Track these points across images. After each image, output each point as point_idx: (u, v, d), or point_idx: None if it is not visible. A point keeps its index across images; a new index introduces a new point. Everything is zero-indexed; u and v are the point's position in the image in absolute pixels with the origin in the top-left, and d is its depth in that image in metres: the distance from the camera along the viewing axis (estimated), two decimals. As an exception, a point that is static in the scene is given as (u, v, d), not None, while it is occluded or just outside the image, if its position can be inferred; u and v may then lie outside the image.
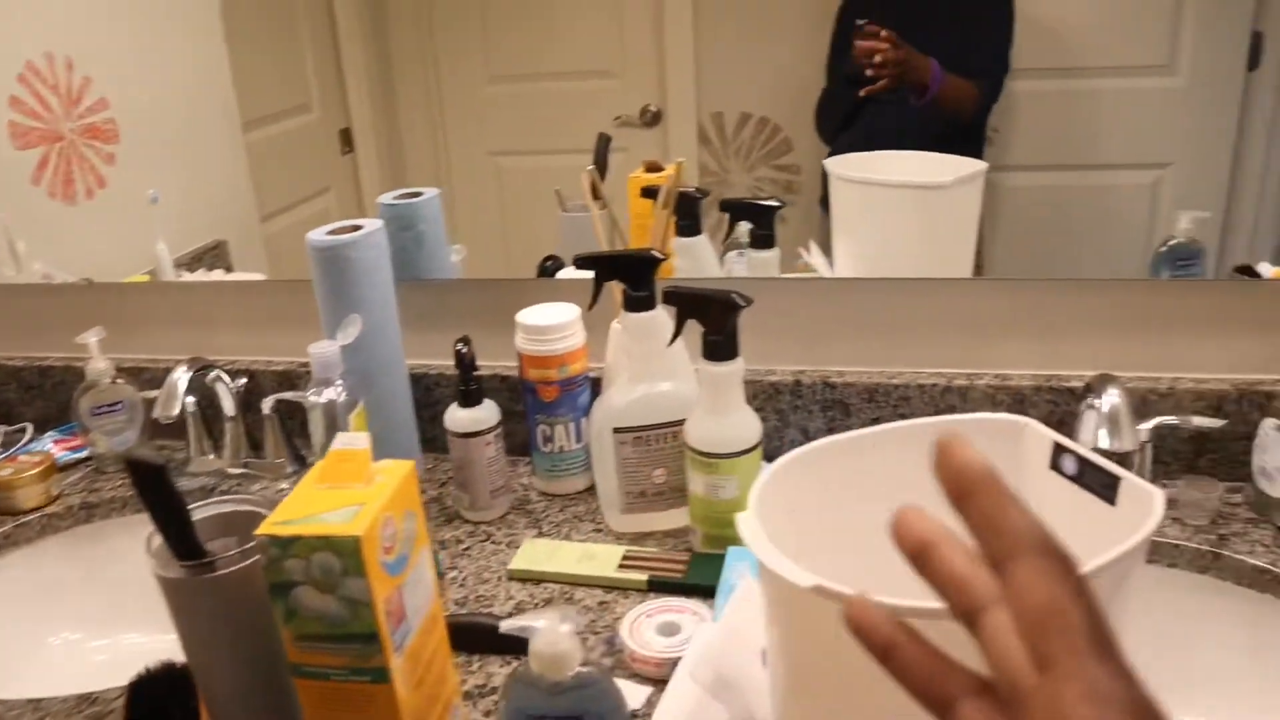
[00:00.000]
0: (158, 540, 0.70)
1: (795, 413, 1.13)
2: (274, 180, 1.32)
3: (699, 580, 0.92)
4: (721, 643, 0.72)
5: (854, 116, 1.14)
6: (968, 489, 0.35)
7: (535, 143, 1.22)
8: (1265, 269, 1.07)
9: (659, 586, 0.93)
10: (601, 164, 1.18)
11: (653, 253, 0.98)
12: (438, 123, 1.23)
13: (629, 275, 0.98)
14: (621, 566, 0.95)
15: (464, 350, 1.03)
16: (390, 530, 0.66)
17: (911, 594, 0.47)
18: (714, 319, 0.92)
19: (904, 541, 0.35)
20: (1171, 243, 1.09)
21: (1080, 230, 1.11)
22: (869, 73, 1.09)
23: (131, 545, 1.17)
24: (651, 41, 1.15)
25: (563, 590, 0.95)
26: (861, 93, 1.10)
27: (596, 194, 1.13)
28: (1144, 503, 0.62)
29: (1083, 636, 0.32)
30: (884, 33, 1.08)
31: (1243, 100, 1.04)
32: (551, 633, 0.66)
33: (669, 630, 0.85)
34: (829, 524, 0.70)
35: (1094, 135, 1.09)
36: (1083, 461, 0.67)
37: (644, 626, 0.86)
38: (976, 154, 1.10)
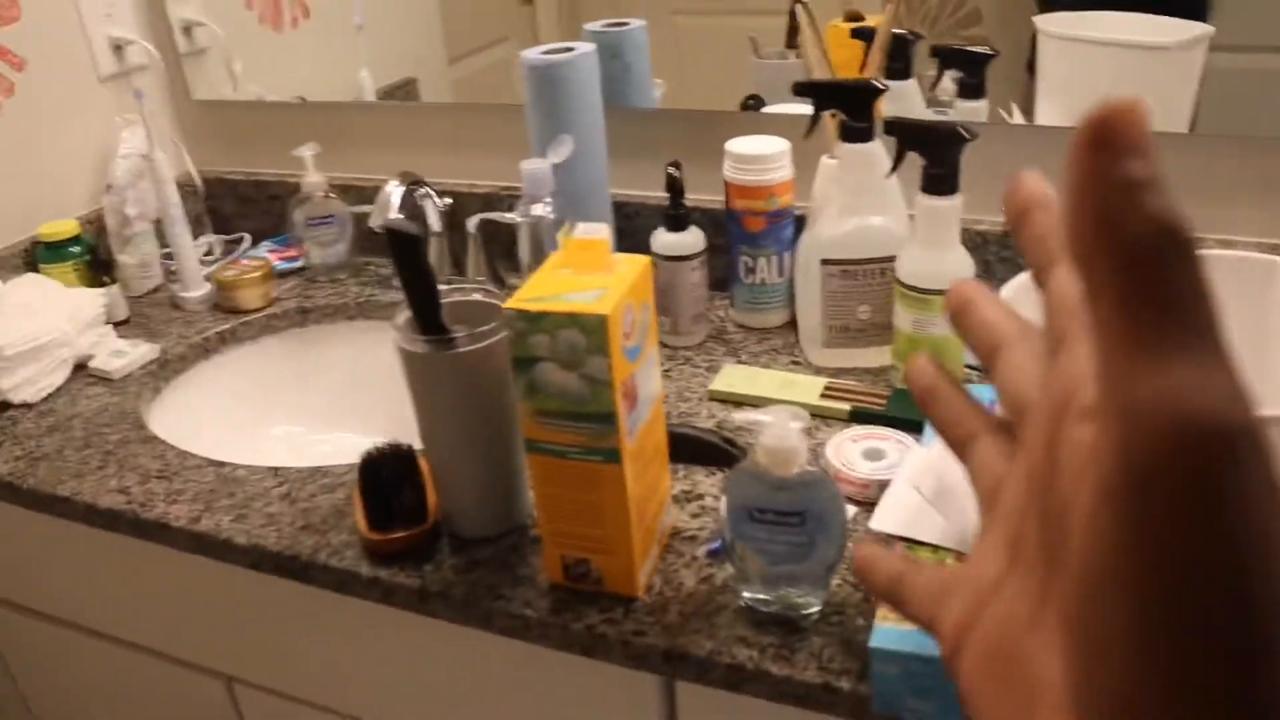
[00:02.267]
0: (404, 315, 0.74)
1: (1001, 265, 1.10)
2: (461, 22, 1.33)
3: (900, 413, 0.92)
4: (942, 456, 0.72)
5: None
6: (1025, 208, 0.29)
7: (712, 3, 1.20)
8: None
9: (861, 417, 0.93)
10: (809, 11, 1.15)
11: (874, 82, 0.95)
12: None
13: (848, 105, 0.96)
14: (824, 396, 0.96)
15: (675, 173, 1.03)
16: (630, 317, 0.68)
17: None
18: (937, 151, 0.89)
19: (949, 303, 0.32)
20: None
21: None
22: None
23: (343, 351, 1.24)
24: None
25: (762, 415, 0.96)
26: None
27: (794, 40, 1.11)
28: None
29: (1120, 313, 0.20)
30: None
31: None
32: (781, 427, 0.67)
33: (874, 455, 0.86)
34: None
35: None
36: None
37: (849, 450, 0.86)
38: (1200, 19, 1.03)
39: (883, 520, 0.73)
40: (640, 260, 0.71)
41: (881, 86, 0.96)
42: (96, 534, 0.96)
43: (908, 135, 0.91)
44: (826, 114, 0.99)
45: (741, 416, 0.68)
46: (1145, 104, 0.20)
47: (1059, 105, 1.11)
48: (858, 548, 0.35)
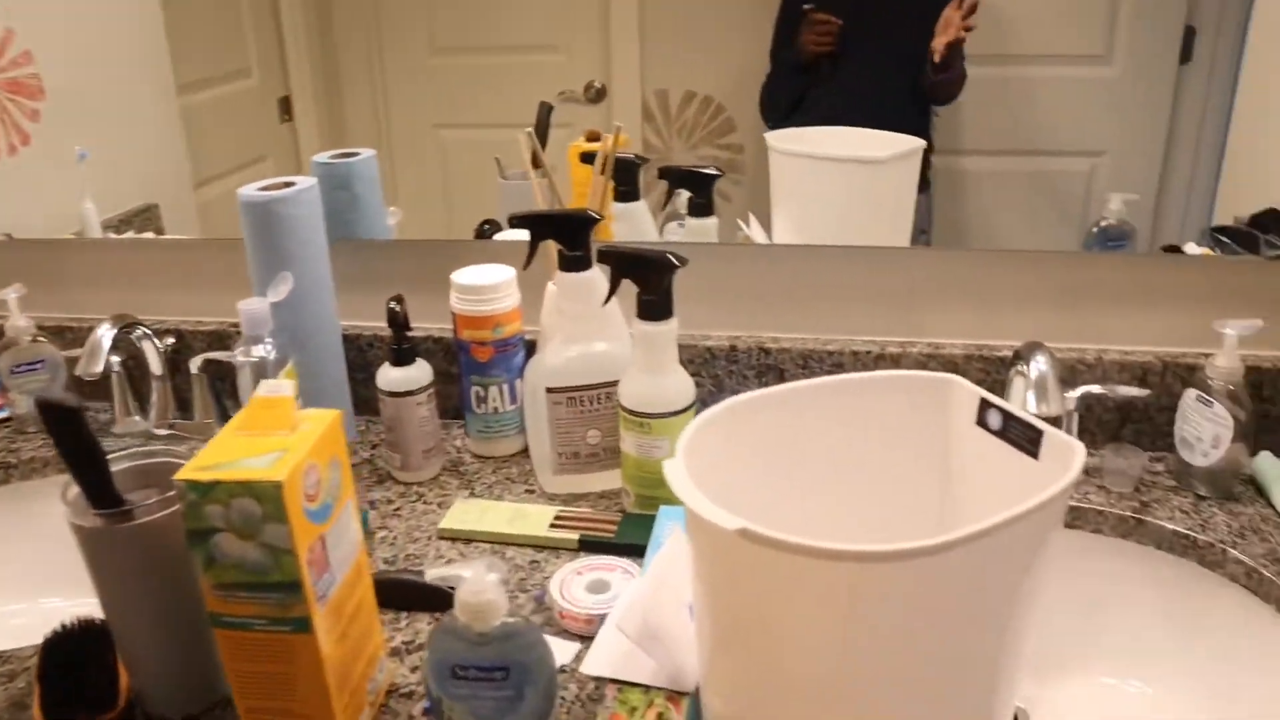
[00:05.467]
0: (74, 489, 0.68)
1: (730, 378, 1.13)
2: (210, 145, 1.29)
3: (630, 539, 0.92)
4: (649, 595, 0.72)
5: (799, 101, 1.14)
6: None
7: (478, 116, 1.20)
8: (1191, 248, 1.09)
9: (590, 546, 0.93)
10: (542, 132, 1.17)
11: (589, 212, 0.97)
12: (379, 93, 1.21)
13: (565, 235, 0.97)
14: (553, 526, 0.95)
15: (396, 308, 1.01)
16: (314, 478, 0.65)
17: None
18: (649, 278, 0.91)
19: None
20: (1104, 223, 1.11)
21: (1019, 213, 1.12)
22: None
23: (51, 507, 1.15)
24: (597, 16, 1.14)
25: (494, 550, 0.94)
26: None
27: (537, 161, 1.12)
28: (1065, 455, 0.63)
29: None
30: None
31: (1175, 92, 1.06)
32: (478, 581, 0.65)
33: (599, 588, 0.85)
34: (757, 476, 0.70)
35: (1033, 122, 1.10)
36: (1007, 416, 0.68)
37: (573, 584, 0.85)
38: (924, 136, 1.11)
39: (594, 663, 0.72)
40: (328, 415, 0.69)
41: (596, 216, 0.97)
42: None
43: (620, 263, 0.93)
44: (548, 243, 1.00)
45: (434, 574, 0.66)
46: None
47: (789, 218, 1.16)
48: None
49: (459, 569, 0.66)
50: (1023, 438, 0.67)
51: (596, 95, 1.18)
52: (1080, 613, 1.02)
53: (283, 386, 0.68)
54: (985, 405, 0.69)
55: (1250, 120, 1.05)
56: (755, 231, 1.17)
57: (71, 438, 0.65)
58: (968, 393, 0.71)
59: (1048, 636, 1.01)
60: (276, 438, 0.66)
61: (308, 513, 0.64)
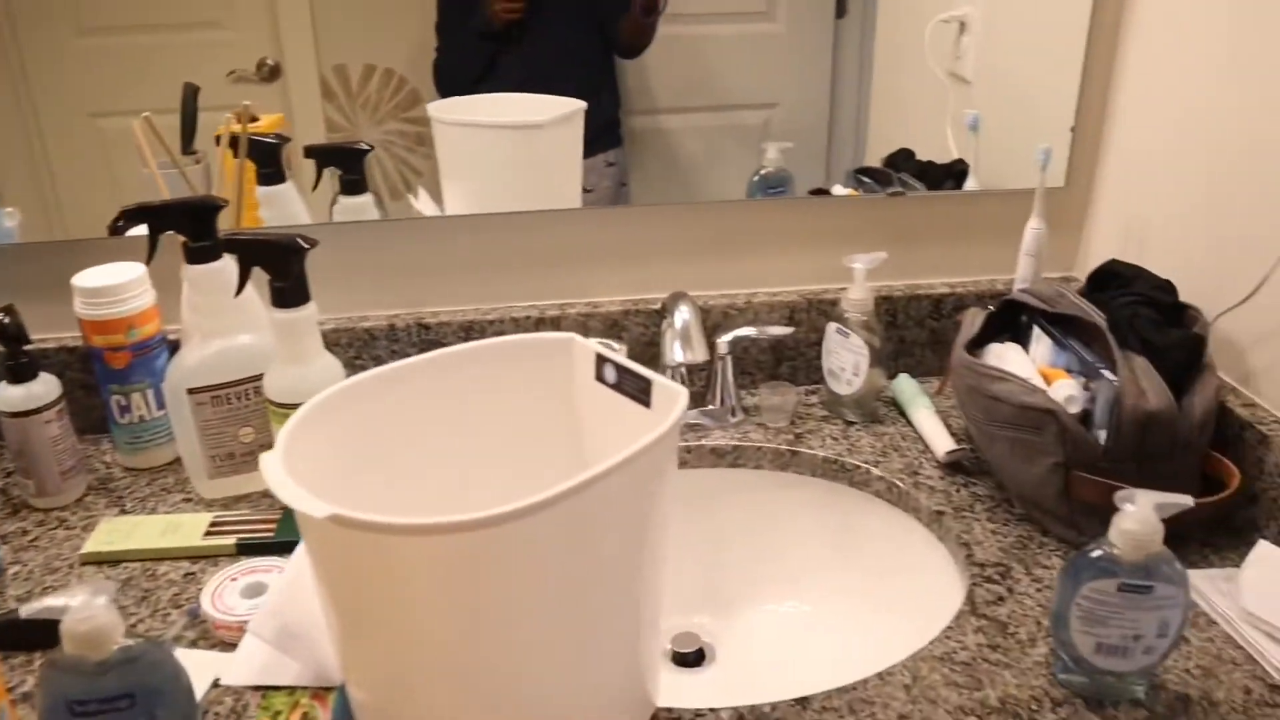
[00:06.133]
0: None
1: (392, 357, 1.11)
2: None
3: (290, 536, 0.89)
4: (284, 595, 0.70)
5: (487, 72, 1.12)
6: None
7: (142, 101, 1.09)
8: (838, 190, 1.16)
9: (249, 549, 0.89)
10: (189, 117, 1.09)
11: (211, 198, 0.92)
12: (19, 84, 1.09)
13: (188, 226, 0.92)
14: (208, 534, 0.90)
15: (5, 320, 0.93)
16: None
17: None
18: (279, 264, 0.88)
19: None
20: (763, 171, 1.16)
21: (708, 166, 1.15)
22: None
23: None
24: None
25: (145, 568, 0.88)
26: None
27: (166, 146, 1.05)
28: (672, 399, 0.65)
29: None
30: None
31: (834, 45, 1.12)
32: (84, 608, 0.61)
33: (257, 591, 0.81)
34: (381, 458, 0.69)
35: (711, 78, 1.13)
36: (620, 370, 0.70)
37: (228, 592, 0.82)
38: (614, 98, 1.12)
39: (237, 673, 0.69)
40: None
41: (219, 202, 0.93)
42: None
43: (246, 251, 0.89)
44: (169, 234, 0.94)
45: (28, 609, 0.61)
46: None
47: (460, 187, 1.15)
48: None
49: (57, 598, 0.61)
50: (635, 388, 0.69)
51: (270, 74, 1.11)
52: (749, 546, 1.07)
53: None
54: (601, 361, 0.71)
55: (886, 69, 1.13)
56: (425, 205, 1.15)
57: None
58: (586, 350, 0.72)
59: (723, 571, 1.06)
60: None
61: None
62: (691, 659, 0.98)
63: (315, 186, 1.15)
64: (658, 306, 1.12)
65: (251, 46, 1.09)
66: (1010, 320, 1.03)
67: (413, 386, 0.70)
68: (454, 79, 1.11)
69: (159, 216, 0.92)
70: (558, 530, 0.56)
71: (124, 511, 0.96)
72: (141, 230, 1.10)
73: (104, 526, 0.93)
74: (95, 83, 1.09)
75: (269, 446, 0.96)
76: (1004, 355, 0.97)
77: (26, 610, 0.61)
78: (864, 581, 1.01)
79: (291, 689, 0.66)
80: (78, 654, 0.62)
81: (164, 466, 1.04)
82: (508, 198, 1.13)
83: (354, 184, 1.15)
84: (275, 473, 0.56)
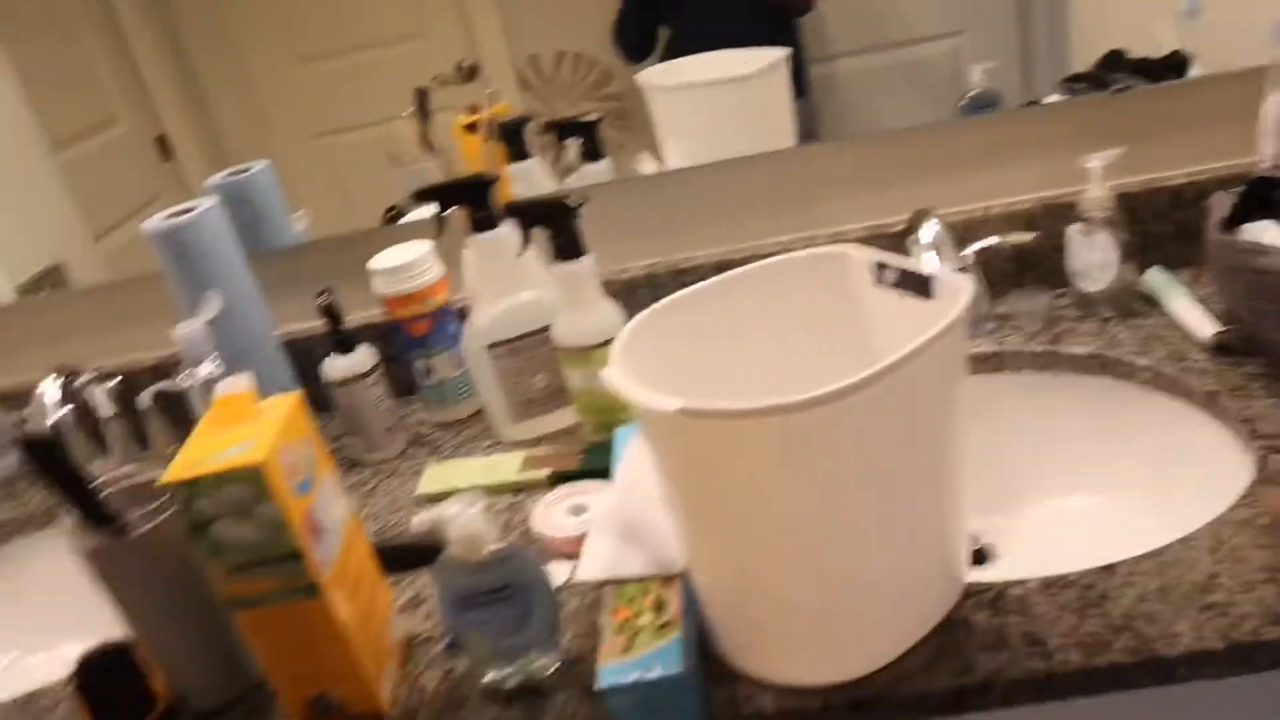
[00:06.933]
0: (71, 518, 0.73)
1: (655, 301, 1.19)
2: (99, 197, 1.30)
3: (596, 465, 0.98)
4: (620, 498, 0.78)
5: (653, 32, 1.18)
6: None
7: (358, 116, 1.22)
8: (1053, 98, 1.17)
9: (560, 479, 0.99)
10: (424, 117, 1.21)
11: (486, 173, 1.02)
12: (254, 111, 1.23)
13: (469, 199, 1.02)
14: (523, 469, 1.01)
15: (327, 300, 1.06)
16: (289, 456, 0.70)
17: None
18: (555, 222, 0.97)
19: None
20: (970, 94, 1.18)
21: (897, 104, 1.18)
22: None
23: (42, 564, 1.18)
24: (450, -3, 1.17)
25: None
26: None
27: (428, 143, 1.17)
28: (957, 289, 0.70)
29: None
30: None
31: None
32: (461, 517, 0.71)
33: (578, 510, 0.91)
34: (692, 367, 0.76)
35: (891, 15, 1.15)
36: (900, 271, 0.75)
37: (554, 513, 0.92)
38: (793, 44, 1.16)
39: (587, 570, 0.78)
40: (288, 399, 0.74)
41: (492, 176, 1.03)
42: None
43: (525, 214, 0.98)
44: (454, 210, 1.04)
45: (419, 519, 0.72)
46: None
47: (680, 147, 1.22)
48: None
49: (439, 510, 0.71)
50: (917, 286, 0.74)
51: (469, 73, 1.20)
52: (1020, 447, 1.10)
53: (238, 382, 0.73)
54: (880, 267, 0.76)
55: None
56: (650, 168, 1.22)
57: (56, 468, 0.69)
58: (861, 258, 0.78)
59: (998, 474, 1.09)
60: (244, 428, 0.70)
61: (291, 488, 0.69)
62: (976, 558, 1.02)
63: (557, 161, 1.24)
64: (897, 228, 1.16)
65: (449, 51, 1.18)
66: (1262, 201, 1.01)
67: (712, 305, 0.77)
68: (629, 41, 1.17)
69: (446, 194, 1.03)
70: (880, 407, 0.61)
71: (443, 459, 1.08)
72: (412, 216, 1.22)
73: (431, 471, 1.05)
74: (317, 106, 1.21)
75: (562, 389, 1.07)
76: (1262, 234, 0.96)
77: (416, 522, 0.72)
78: (1141, 471, 1.03)
79: (641, 579, 0.75)
80: (463, 556, 0.72)
81: (466, 420, 1.15)
82: (728, 151, 1.19)
83: (592, 151, 1.23)
84: (620, 380, 0.64)
